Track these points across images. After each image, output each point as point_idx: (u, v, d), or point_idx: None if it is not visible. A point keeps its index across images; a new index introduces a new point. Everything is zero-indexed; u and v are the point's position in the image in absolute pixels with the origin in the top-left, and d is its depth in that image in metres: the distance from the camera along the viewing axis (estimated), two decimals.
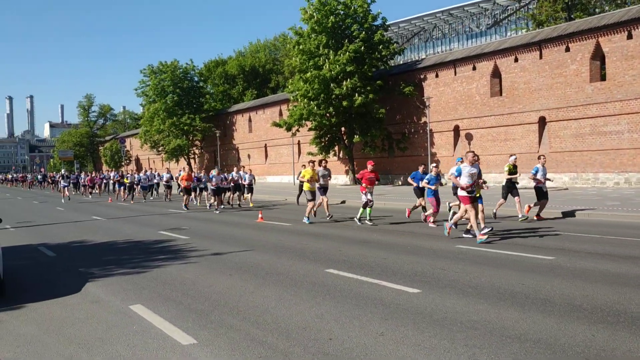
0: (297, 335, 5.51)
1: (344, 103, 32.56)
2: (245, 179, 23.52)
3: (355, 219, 15.39)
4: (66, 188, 33.37)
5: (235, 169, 24.79)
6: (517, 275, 7.81)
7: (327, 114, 34.27)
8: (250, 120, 53.54)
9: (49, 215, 22.75)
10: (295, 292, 7.35)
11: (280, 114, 47.66)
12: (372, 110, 33.93)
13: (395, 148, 35.22)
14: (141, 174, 31.50)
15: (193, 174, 27.56)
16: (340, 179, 41.37)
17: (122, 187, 31.37)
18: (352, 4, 34.38)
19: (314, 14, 33.91)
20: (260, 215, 17.15)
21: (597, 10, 35.30)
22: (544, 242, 10.85)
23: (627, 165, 24.71)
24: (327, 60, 33.15)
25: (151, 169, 34.47)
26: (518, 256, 9.33)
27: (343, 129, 36.38)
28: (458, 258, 9.36)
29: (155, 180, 31.46)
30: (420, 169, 15.35)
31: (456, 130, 32.93)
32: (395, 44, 36.74)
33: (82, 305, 7.13)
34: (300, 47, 34.78)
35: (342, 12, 34.36)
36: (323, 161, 16.46)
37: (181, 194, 24.33)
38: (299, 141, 44.70)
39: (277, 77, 62.98)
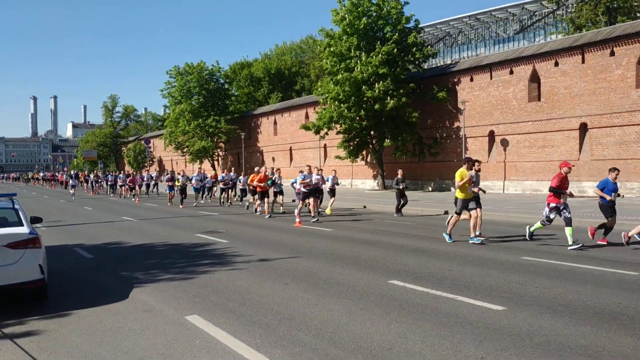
0: (386, 359, 4.85)
1: (376, 106, 31.85)
2: (328, 181, 20.00)
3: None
4: (74, 187, 35.89)
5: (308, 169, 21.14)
6: (608, 292, 7.05)
7: (358, 117, 33.57)
8: (275, 122, 53.11)
9: (79, 214, 22.41)
10: (364, 305, 6.70)
11: (307, 116, 47.11)
12: (404, 114, 33.16)
13: (427, 153, 34.39)
14: (194, 174, 28.57)
15: (229, 173, 26.86)
16: (367, 183, 40.66)
17: (172, 190, 27.21)
18: (385, 6, 33.69)
19: (346, 15, 33.27)
20: (298, 220, 16.53)
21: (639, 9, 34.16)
22: (617, 255, 10.03)
23: None
24: (358, 62, 32.47)
25: (200, 169, 30.85)
26: (597, 270, 8.54)
27: (372, 132, 35.67)
28: (529, 271, 8.61)
29: (205, 182, 28.22)
30: (612, 175, 11.63)
31: (491, 135, 32.00)
32: (429, 47, 35.89)
33: (134, 315, 6.56)
34: (331, 49, 34.14)
35: (374, 14, 33.67)
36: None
37: (254, 197, 21.14)
38: (325, 145, 44.10)
39: (303, 80, 62.54)
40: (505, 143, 31.05)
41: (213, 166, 58.26)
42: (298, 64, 64.66)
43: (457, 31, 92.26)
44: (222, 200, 26.11)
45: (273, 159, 52.20)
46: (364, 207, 22.71)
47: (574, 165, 13.35)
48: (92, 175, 48.22)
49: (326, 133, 36.79)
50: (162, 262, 10.33)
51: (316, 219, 17.13)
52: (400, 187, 19.08)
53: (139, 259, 10.80)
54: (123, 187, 35.09)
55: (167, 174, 29.01)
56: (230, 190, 26.22)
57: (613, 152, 26.02)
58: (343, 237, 13.37)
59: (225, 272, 9.08)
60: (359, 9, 33.10)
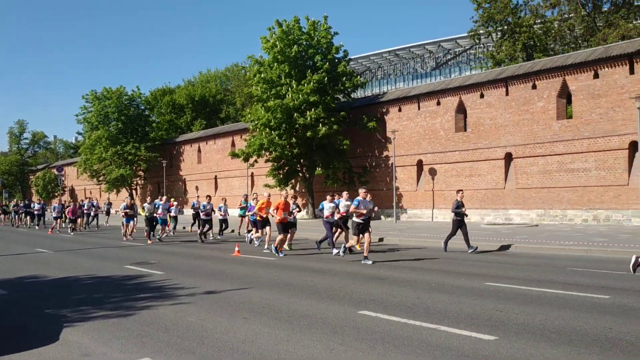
0: None
1: (308, 133, 31.47)
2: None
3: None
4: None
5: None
6: (591, 317, 6.72)
7: (289, 145, 33.03)
8: (199, 150, 51.48)
9: None
10: (342, 340, 5.94)
11: (233, 144, 46.02)
12: (336, 142, 33.03)
13: (357, 182, 34.30)
14: (158, 201, 22.44)
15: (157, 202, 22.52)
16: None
17: (130, 221, 22.20)
18: (315, 35, 33.75)
19: (277, 42, 32.96)
20: (237, 249, 15.49)
21: (553, 48, 36.31)
22: (577, 279, 9.90)
23: (595, 203, 24.76)
24: (289, 90, 32.11)
25: (161, 197, 24.40)
26: (567, 295, 8.28)
27: (302, 160, 35.23)
28: (500, 297, 8.21)
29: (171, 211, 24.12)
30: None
31: (419, 164, 32.46)
32: (358, 77, 36.25)
33: None
34: (262, 75, 33.62)
35: (305, 43, 33.61)
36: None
37: (257, 229, 17.68)
38: (252, 173, 43.14)
39: (228, 108, 61.44)
40: (433, 172, 31.56)
41: (131, 195, 55.37)
42: (223, 91, 63.54)
43: (377, 66, 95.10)
44: (206, 234, 21.35)
45: (197, 187, 50.41)
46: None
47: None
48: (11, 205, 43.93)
49: (255, 161, 35.92)
50: (93, 296, 9.05)
51: (340, 251, 14.64)
52: (463, 210, 15.02)
53: (63, 294, 9.42)
54: (58, 219, 29.44)
55: (125, 201, 22.98)
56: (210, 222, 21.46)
57: (537, 180, 27.00)
58: (291, 266, 12.55)
59: (169, 306, 7.99)
60: (290, 37, 32.91)
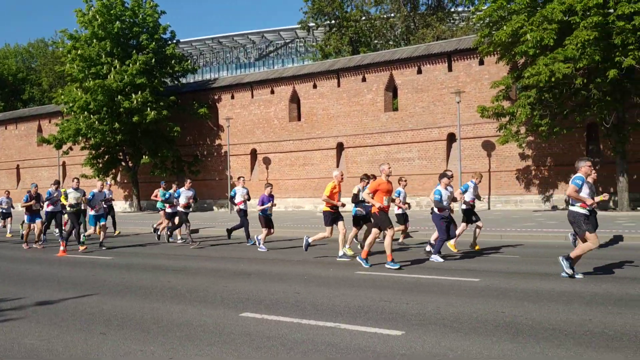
0: None
1: (135, 118, 28.93)
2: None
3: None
4: None
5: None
6: (478, 301, 6.70)
7: (111, 131, 30.06)
8: None
9: None
10: (237, 351, 5.03)
11: (40, 129, 40.79)
12: (164, 129, 30.94)
13: (187, 171, 32.59)
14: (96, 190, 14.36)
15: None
16: (119, 205, 36.77)
17: (34, 219, 15.32)
18: (140, 12, 31.17)
19: (97, 16, 29.70)
20: (62, 248, 13.30)
21: (376, 44, 38.31)
22: (440, 263, 10.13)
23: (418, 190, 26.58)
24: (112, 70, 29.18)
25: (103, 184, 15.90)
26: (442, 280, 8.31)
27: (125, 148, 32.43)
28: (379, 286, 7.94)
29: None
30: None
31: (253, 153, 31.94)
32: (189, 61, 34.39)
33: None
34: (78, 52, 30.06)
35: (128, 20, 30.83)
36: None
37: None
38: (64, 162, 38.69)
39: (32, 89, 54.37)
40: (267, 161, 31.28)
41: None
42: (26, 70, 56.04)
43: (198, 52, 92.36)
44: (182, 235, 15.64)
45: None
46: (119, 233, 18.84)
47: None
48: None
49: (70, 148, 32.18)
50: None
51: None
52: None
53: None
54: None
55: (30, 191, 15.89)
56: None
57: (366, 169, 28.06)
58: (135, 265, 11.04)
59: None
60: (112, 12, 29.90)
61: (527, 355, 4.63)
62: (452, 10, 40.03)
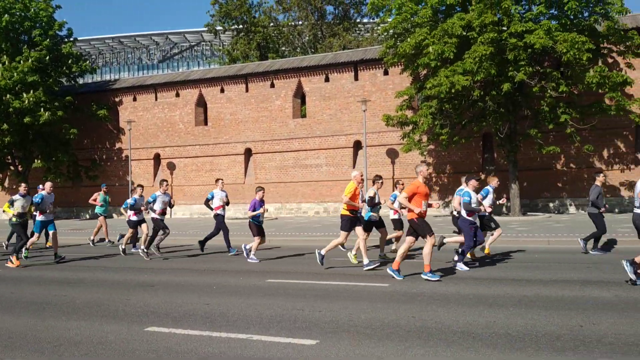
0: None
1: (26, 119, 26.86)
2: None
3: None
4: None
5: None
6: (394, 307, 6.79)
7: None
8: None
9: None
10: None
11: None
12: (59, 131, 29.02)
13: (84, 176, 30.80)
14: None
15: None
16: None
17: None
18: (33, 6, 29.10)
19: None
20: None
21: (284, 51, 38.40)
22: (345, 270, 10.19)
23: (326, 196, 26.88)
24: (1, 66, 26.97)
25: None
26: (351, 286, 8.36)
27: (14, 151, 30.07)
28: (290, 294, 7.85)
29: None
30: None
31: (157, 158, 30.79)
32: (88, 61, 32.56)
33: None
34: None
35: (19, 13, 28.67)
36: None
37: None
38: None
39: None
40: (172, 167, 30.28)
41: None
42: None
43: (98, 52, 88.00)
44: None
45: None
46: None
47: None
48: None
49: None
50: None
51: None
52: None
53: None
54: None
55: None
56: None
57: (274, 175, 28.07)
58: (25, 278, 10.16)
59: None
60: (0, 4, 27.68)
61: (438, 359, 4.72)
62: (358, 20, 41.05)
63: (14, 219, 12.32)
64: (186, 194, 29.66)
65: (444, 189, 25.45)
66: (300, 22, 38.51)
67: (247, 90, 28.70)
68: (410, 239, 8.89)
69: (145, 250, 12.63)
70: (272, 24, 38.08)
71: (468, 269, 9.52)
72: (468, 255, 10.24)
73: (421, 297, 7.39)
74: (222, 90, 29.25)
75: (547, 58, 21.50)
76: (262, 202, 11.67)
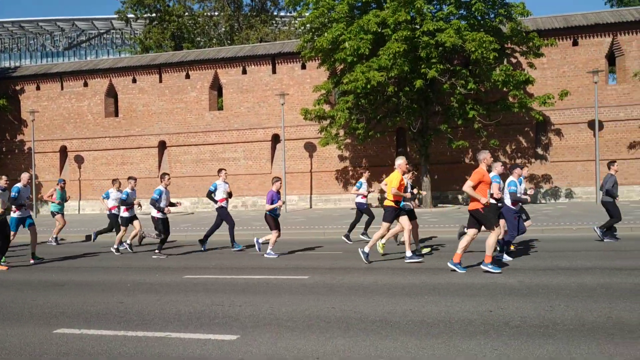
0: None
1: None
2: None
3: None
4: None
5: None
6: (315, 299, 6.84)
7: None
8: None
9: None
10: None
11: None
12: None
13: None
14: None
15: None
16: None
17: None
18: None
19: None
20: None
21: (199, 42, 37.48)
22: (270, 263, 10.17)
23: (244, 190, 26.62)
24: None
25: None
26: (273, 279, 8.35)
27: None
28: (209, 290, 7.71)
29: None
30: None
31: (63, 151, 29.15)
32: None
33: None
34: None
35: None
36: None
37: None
38: None
39: None
40: (80, 160, 28.81)
41: None
42: None
43: None
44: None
45: None
46: None
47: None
48: None
49: None
50: None
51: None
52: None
53: None
54: None
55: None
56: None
57: (190, 169, 27.45)
58: None
59: None
60: None
61: (358, 349, 4.82)
62: (275, 13, 40.87)
63: None
64: (96, 188, 28.32)
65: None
66: (216, 13, 37.76)
67: (160, 81, 27.80)
68: (472, 231, 8.41)
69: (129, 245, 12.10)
70: (187, 14, 37.04)
71: (511, 258, 9.38)
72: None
73: (340, 288, 7.52)
74: (134, 81, 28.14)
75: (457, 56, 22.47)
76: (278, 194, 10.95)
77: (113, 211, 13.12)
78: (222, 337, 5.31)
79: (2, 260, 10.47)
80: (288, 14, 41.16)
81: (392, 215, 9.48)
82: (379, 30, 20.32)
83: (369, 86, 19.89)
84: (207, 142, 27.17)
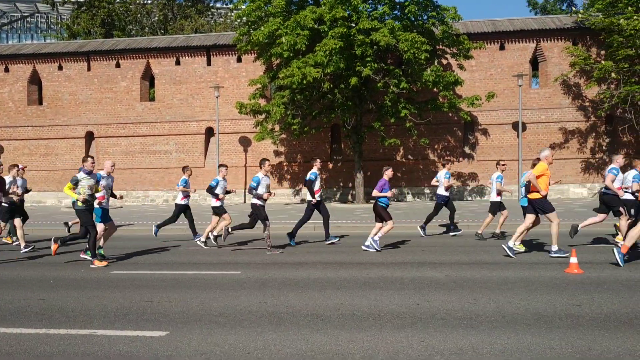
0: None
1: None
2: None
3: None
4: None
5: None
6: (246, 294, 6.81)
7: None
8: None
9: None
10: None
11: None
12: None
13: None
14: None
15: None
16: None
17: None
18: None
19: None
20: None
21: (131, 30, 36.24)
22: (199, 258, 10.01)
23: (175, 184, 25.89)
24: None
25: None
26: (202, 275, 8.24)
27: None
28: (137, 286, 7.52)
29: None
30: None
31: None
32: None
33: None
34: None
35: None
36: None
37: None
38: None
39: None
40: (0, 150, 27.22)
41: None
42: None
43: None
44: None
45: None
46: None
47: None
48: None
49: None
50: None
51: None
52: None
53: None
54: None
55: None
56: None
57: (120, 161, 26.49)
58: None
59: None
60: None
61: (289, 343, 4.86)
62: (211, 5, 40.16)
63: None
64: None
65: (294, 177, 26.02)
66: (149, 1, 36.63)
67: (89, 69, 26.68)
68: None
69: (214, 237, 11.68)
70: (118, 0, 35.70)
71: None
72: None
73: (272, 282, 7.53)
74: (60, 68, 26.86)
75: (391, 56, 22.92)
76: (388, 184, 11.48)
77: (183, 202, 12.42)
78: (151, 334, 5.21)
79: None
80: (224, 5, 40.58)
81: (548, 205, 9.03)
82: (316, 27, 20.40)
83: (304, 82, 19.93)
84: (137, 134, 26.35)
